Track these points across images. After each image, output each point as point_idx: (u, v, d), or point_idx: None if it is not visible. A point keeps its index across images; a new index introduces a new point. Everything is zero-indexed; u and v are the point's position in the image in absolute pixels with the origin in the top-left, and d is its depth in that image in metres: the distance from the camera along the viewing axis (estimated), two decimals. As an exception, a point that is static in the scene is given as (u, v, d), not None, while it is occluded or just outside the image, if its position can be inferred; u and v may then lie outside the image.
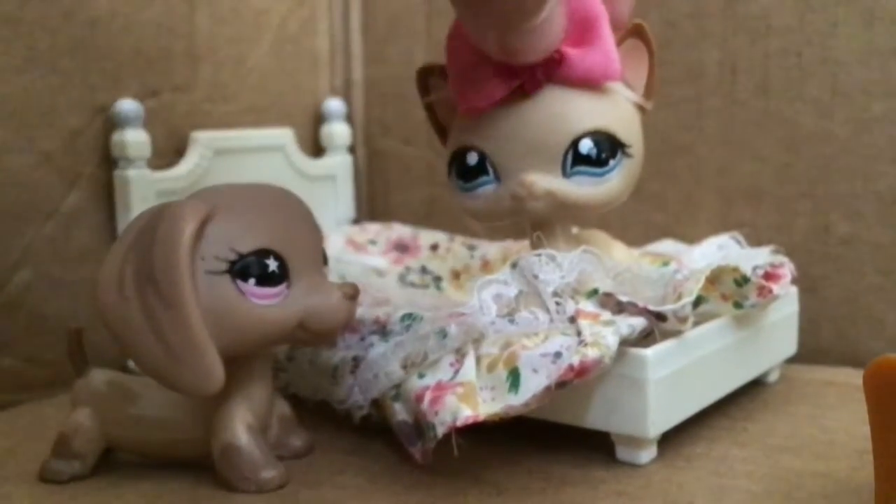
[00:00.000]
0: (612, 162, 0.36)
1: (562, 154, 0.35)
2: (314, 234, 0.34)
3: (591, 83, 0.35)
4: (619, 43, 0.36)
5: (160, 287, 0.29)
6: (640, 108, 0.37)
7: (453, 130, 0.38)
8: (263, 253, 0.31)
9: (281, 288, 0.32)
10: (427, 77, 0.39)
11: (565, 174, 0.36)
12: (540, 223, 0.37)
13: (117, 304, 0.30)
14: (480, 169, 0.37)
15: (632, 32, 0.36)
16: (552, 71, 0.35)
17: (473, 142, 0.37)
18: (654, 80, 0.37)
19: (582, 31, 0.35)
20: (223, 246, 0.31)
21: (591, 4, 0.35)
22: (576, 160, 0.35)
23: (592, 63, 0.35)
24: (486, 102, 0.36)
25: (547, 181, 0.35)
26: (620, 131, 0.36)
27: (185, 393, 0.31)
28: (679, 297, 0.33)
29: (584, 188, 0.36)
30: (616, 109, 0.36)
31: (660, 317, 0.33)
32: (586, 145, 0.35)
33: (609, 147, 0.36)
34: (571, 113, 0.35)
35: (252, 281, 0.31)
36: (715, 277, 0.35)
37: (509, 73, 0.35)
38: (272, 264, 0.31)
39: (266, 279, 0.31)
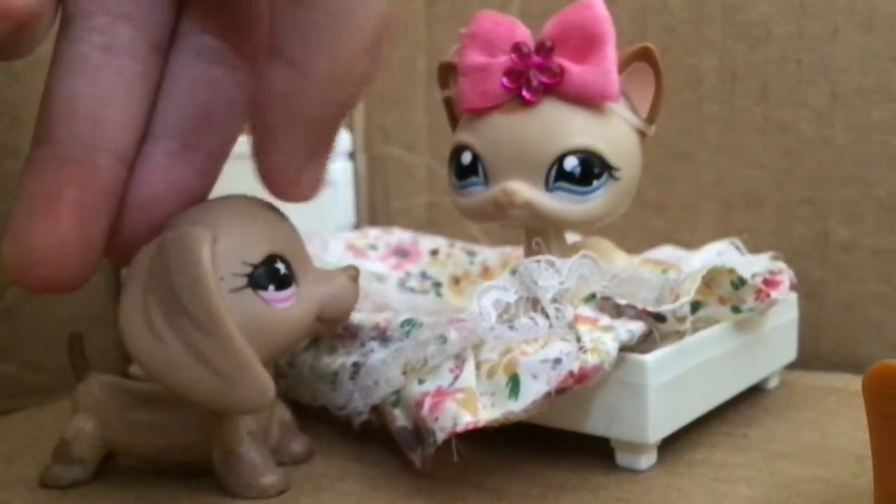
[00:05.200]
0: (595, 183, 0.35)
1: (546, 167, 0.35)
2: (296, 231, 0.34)
3: (586, 101, 0.35)
4: (627, 63, 0.35)
5: (195, 317, 0.29)
6: (641, 133, 0.37)
7: (459, 127, 0.38)
8: (271, 259, 0.31)
9: (293, 288, 0.32)
10: (448, 72, 0.39)
11: (548, 188, 0.35)
12: (534, 230, 0.37)
13: (154, 347, 0.29)
14: (472, 169, 0.37)
15: (639, 55, 0.36)
16: (551, 83, 0.35)
17: (470, 141, 0.37)
18: (660, 104, 0.36)
19: (585, 47, 0.34)
20: (235, 262, 0.31)
21: (599, 22, 0.34)
22: (559, 176, 0.35)
23: (589, 82, 0.35)
24: (485, 104, 0.36)
25: (528, 192, 0.35)
26: (610, 153, 0.35)
27: (244, 412, 0.31)
28: (676, 298, 0.33)
29: (564, 204, 0.35)
30: (610, 131, 0.35)
31: (659, 318, 0.33)
32: (571, 163, 0.35)
33: (595, 168, 0.35)
34: (562, 128, 0.35)
35: (271, 287, 0.31)
36: (711, 279, 0.35)
37: (511, 80, 0.35)
38: (282, 267, 0.32)
39: (280, 283, 0.31)
